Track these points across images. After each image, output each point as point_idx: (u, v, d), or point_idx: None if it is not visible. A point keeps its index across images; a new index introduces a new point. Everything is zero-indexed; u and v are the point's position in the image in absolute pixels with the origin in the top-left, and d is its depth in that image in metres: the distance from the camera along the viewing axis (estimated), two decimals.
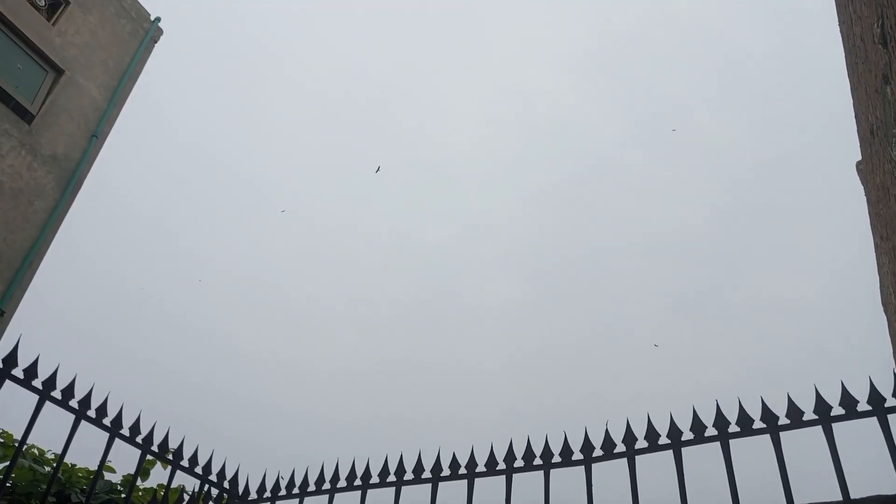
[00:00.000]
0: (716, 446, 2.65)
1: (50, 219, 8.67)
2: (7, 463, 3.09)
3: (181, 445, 3.40)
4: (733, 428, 2.65)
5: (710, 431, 2.68)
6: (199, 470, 3.47)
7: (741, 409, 2.65)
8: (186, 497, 3.71)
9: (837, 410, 2.53)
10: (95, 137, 9.47)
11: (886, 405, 2.47)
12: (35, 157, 8.72)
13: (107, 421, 3.08)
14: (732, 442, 2.64)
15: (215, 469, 3.51)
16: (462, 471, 3.13)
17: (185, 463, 3.42)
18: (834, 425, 2.52)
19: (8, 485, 3.41)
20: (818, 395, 2.56)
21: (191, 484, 3.71)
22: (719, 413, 2.68)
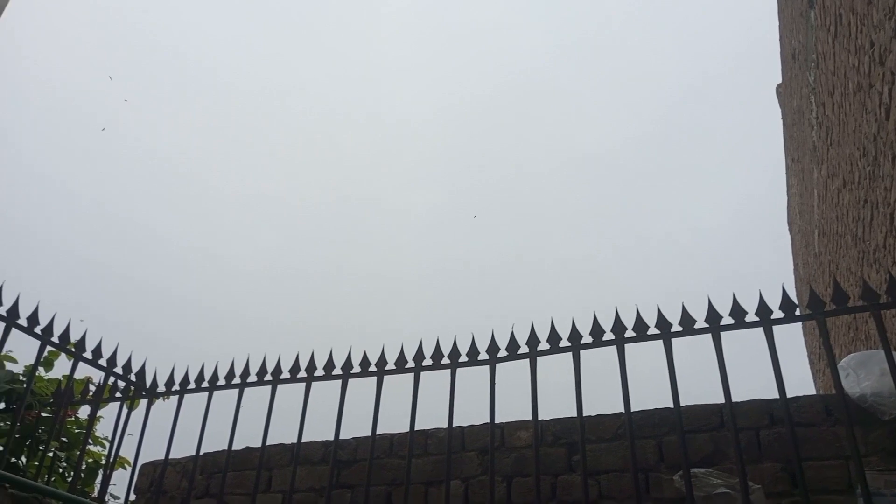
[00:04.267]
0: (612, 350, 2.78)
1: None
2: None
3: (83, 337, 3.32)
4: (630, 333, 2.77)
5: (609, 336, 2.80)
6: (103, 362, 3.41)
7: (638, 316, 2.77)
8: (92, 388, 3.66)
9: (727, 320, 2.67)
10: None
11: (773, 317, 2.62)
12: None
13: (2, 310, 2.98)
14: (629, 346, 2.76)
15: (120, 362, 3.47)
16: (372, 368, 3.19)
17: (87, 355, 3.36)
18: (723, 333, 2.67)
19: None
20: (710, 306, 2.69)
21: (98, 377, 3.65)
22: (617, 319, 2.79)
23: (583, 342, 2.83)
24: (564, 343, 2.87)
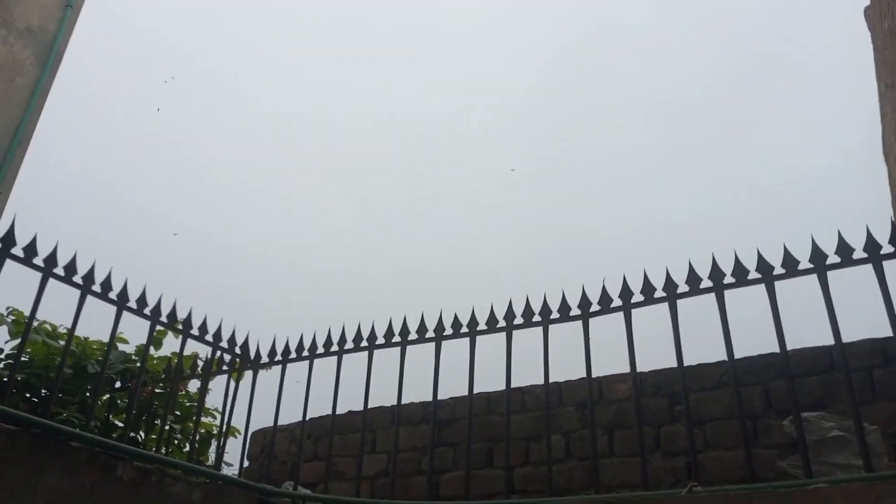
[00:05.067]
0: (712, 297, 2.70)
1: (33, 95, 8.37)
2: (20, 340, 3.18)
3: (189, 315, 3.47)
4: (728, 279, 2.69)
5: (706, 283, 2.72)
6: (209, 338, 3.57)
7: (737, 260, 2.68)
8: (200, 363, 3.85)
9: (833, 259, 2.56)
10: (70, 7, 9.01)
11: (882, 252, 2.49)
12: (10, 31, 8.34)
13: (113, 295, 3.13)
14: (728, 292, 2.68)
15: (225, 336, 3.61)
16: (464, 329, 3.22)
17: (195, 332, 3.51)
18: (829, 273, 2.55)
19: (24, 359, 3.52)
20: (814, 245, 2.57)
21: (204, 352, 3.83)
22: (715, 265, 2.72)
23: (679, 291, 2.77)
24: (659, 294, 2.81)
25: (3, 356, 4.05)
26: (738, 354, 2.73)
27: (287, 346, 3.59)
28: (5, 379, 3.75)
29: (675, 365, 2.72)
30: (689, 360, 3.11)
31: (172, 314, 3.39)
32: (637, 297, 2.86)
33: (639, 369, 2.86)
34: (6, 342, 4.01)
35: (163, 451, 3.67)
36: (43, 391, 3.88)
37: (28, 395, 3.90)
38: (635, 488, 2.96)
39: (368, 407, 3.37)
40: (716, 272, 2.72)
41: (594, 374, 2.94)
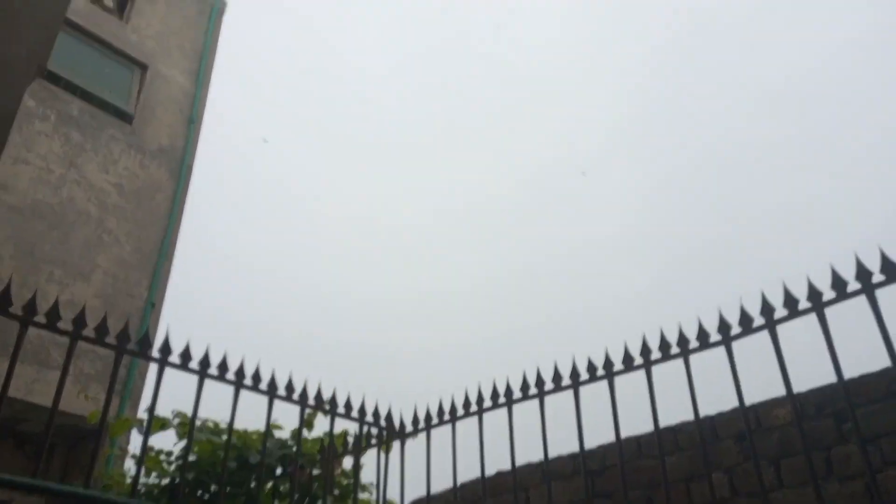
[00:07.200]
0: (863, 299, 2.51)
1: (173, 209, 9.21)
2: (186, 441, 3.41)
3: (334, 396, 3.61)
4: (878, 277, 2.47)
5: (854, 286, 2.53)
6: (355, 414, 3.69)
7: (883, 257, 2.48)
8: (351, 440, 3.97)
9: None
10: (193, 122, 9.89)
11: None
12: (144, 155, 9.25)
13: (263, 386, 3.32)
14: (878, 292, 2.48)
15: (369, 411, 3.73)
16: (600, 372, 3.15)
17: (341, 410, 3.65)
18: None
19: (192, 458, 3.76)
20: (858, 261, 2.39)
21: (351, 428, 3.96)
22: (860, 266, 2.52)
23: (825, 299, 2.58)
24: (804, 305, 2.62)
25: (173, 458, 4.36)
26: None
27: (428, 412, 3.65)
28: (177, 480, 4.03)
29: (833, 380, 2.52)
30: (848, 373, 2.88)
31: (318, 396, 3.53)
32: (780, 313, 2.69)
33: (795, 389, 2.67)
34: (174, 444, 4.32)
35: None
36: (213, 486, 4.12)
37: (200, 493, 4.15)
38: None
39: (516, 465, 3.34)
40: (862, 273, 2.52)
41: (747, 402, 2.77)
